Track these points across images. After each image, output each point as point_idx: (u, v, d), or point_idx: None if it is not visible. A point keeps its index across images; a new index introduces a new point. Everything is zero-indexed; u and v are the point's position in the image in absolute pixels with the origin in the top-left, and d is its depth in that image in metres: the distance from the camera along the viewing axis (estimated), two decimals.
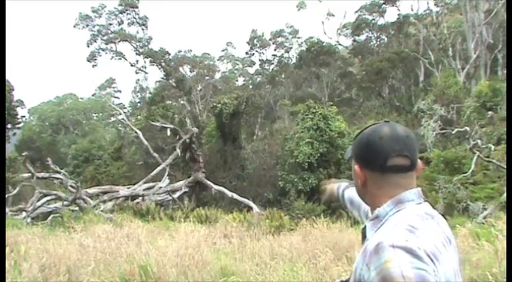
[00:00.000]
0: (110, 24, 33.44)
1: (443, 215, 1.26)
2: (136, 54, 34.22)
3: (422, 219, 1.14)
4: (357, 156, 1.25)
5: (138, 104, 44.74)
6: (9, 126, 20.96)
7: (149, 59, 33.79)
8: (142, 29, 33.81)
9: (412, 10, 32.31)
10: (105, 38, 33.32)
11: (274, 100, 35.28)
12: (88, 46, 33.28)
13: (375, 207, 1.20)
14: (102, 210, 14.71)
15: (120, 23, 33.48)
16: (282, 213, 13.03)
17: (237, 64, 44.62)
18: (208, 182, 20.10)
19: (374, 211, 1.20)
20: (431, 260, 1.04)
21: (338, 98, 33.58)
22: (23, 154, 16.97)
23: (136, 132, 24.68)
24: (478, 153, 14.81)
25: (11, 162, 17.18)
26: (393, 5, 32.70)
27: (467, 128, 15.84)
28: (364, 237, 1.21)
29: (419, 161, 1.24)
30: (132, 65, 35.04)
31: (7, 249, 6.31)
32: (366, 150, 1.21)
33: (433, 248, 1.07)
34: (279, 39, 37.89)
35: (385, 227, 1.14)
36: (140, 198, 17.93)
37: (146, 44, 34.02)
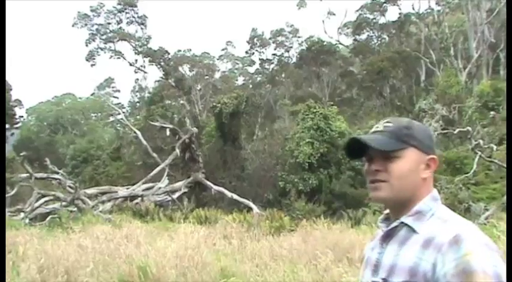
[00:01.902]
0: (109, 23, 33.47)
1: None
2: (135, 53, 34.26)
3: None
4: (430, 146, 1.23)
5: (137, 104, 44.74)
6: (7, 126, 20.96)
7: (148, 58, 33.79)
8: (141, 28, 33.85)
9: (413, 9, 32.37)
10: (103, 37, 33.34)
11: (274, 100, 35.27)
12: (86, 45, 33.33)
13: (412, 203, 1.19)
14: (100, 211, 14.69)
15: (119, 22, 33.52)
16: (282, 214, 13.00)
17: (237, 63, 44.60)
18: (208, 183, 20.07)
19: (412, 206, 1.19)
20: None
21: (339, 97, 33.58)
22: (21, 154, 16.96)
23: (135, 132, 24.65)
24: (480, 153, 14.82)
25: (9, 162, 17.20)
26: (394, 4, 32.69)
27: (469, 128, 15.85)
28: (387, 236, 1.20)
29: None
30: (131, 65, 35.06)
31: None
32: (433, 141, 1.23)
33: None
34: (279, 39, 37.89)
35: (441, 221, 1.14)
36: (139, 198, 17.89)
37: (145, 43, 34.04)
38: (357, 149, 1.25)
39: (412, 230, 1.16)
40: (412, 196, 1.19)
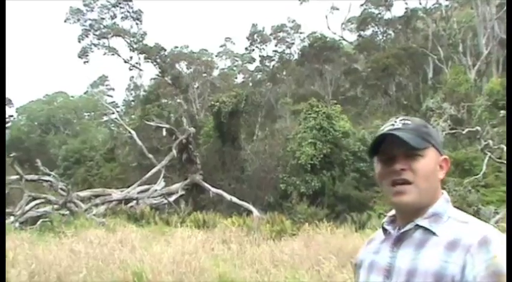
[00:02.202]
0: (103, 18, 33.50)
1: None
2: (130, 50, 34.29)
3: None
4: (441, 146, 1.24)
5: (132, 103, 44.73)
6: None
7: (144, 55, 33.82)
8: (137, 24, 33.87)
9: (420, 4, 32.36)
10: (97, 33, 33.36)
11: (275, 98, 35.28)
12: (79, 41, 33.35)
13: (427, 205, 1.19)
14: (94, 215, 14.69)
15: (113, 17, 33.54)
16: (283, 218, 13.02)
17: (236, 60, 44.62)
18: (206, 185, 20.08)
19: (426, 209, 1.19)
20: None
21: (342, 96, 33.58)
22: (11, 155, 16.94)
23: (130, 132, 24.66)
24: (489, 154, 14.82)
25: None
26: None
27: (479, 128, 15.86)
28: (398, 239, 1.20)
29: None
30: (125, 62, 35.10)
31: None
32: (441, 139, 1.27)
33: None
34: (281, 35, 37.91)
35: (461, 222, 1.15)
36: (134, 201, 17.91)
37: (140, 39, 34.06)
38: (371, 148, 1.24)
39: (430, 233, 1.16)
40: (430, 199, 1.20)
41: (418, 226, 1.18)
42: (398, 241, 1.20)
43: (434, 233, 1.15)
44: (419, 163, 1.18)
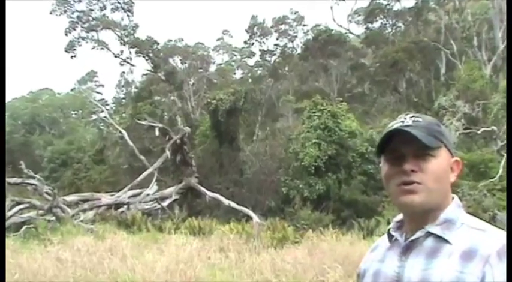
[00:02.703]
0: (91, 9, 33.48)
1: None
2: (121, 43, 34.26)
3: None
4: (453, 146, 1.25)
5: (123, 100, 44.71)
6: None
7: (135, 49, 33.80)
8: (128, 16, 33.86)
9: None
10: (85, 25, 33.35)
11: (276, 96, 35.30)
12: (66, 35, 33.32)
13: (439, 211, 1.19)
14: (81, 221, 14.70)
15: (103, 8, 33.52)
16: (285, 224, 13.02)
17: (235, 55, 44.61)
18: (202, 189, 20.09)
19: (438, 214, 1.19)
20: None
21: (349, 93, 33.60)
22: None
23: (120, 132, 24.67)
24: (506, 155, 14.81)
25: None
26: None
27: (495, 128, 15.88)
28: (407, 248, 1.19)
29: None
30: (115, 56, 35.06)
31: None
32: (453, 140, 1.27)
33: None
34: (282, 27, 37.92)
35: (476, 230, 1.15)
36: (125, 206, 17.93)
37: (132, 32, 34.05)
38: (379, 145, 1.23)
39: (443, 241, 1.15)
40: (441, 202, 1.19)
41: (429, 233, 1.17)
42: (408, 249, 1.19)
43: (447, 241, 1.14)
44: (431, 163, 1.17)
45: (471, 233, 1.14)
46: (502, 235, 1.13)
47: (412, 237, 1.19)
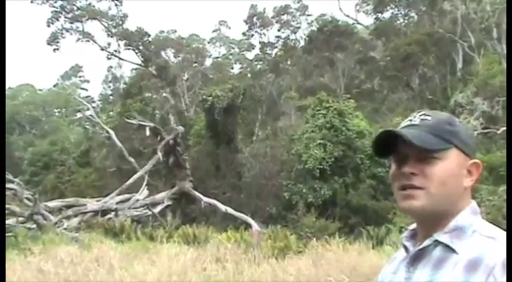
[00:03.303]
0: None
1: None
2: (108, 35, 34.29)
3: None
4: (472, 149, 1.23)
5: (110, 97, 44.76)
6: None
7: (124, 41, 33.82)
8: (116, 5, 33.87)
9: None
10: (69, 15, 33.36)
11: (278, 92, 35.31)
12: (49, 26, 33.34)
13: (450, 217, 1.19)
14: (65, 229, 14.71)
15: None
16: (287, 232, 13.06)
17: (233, 48, 44.64)
18: (197, 194, 20.10)
19: (448, 221, 1.19)
20: None
21: (357, 89, 33.61)
22: None
23: (107, 131, 24.68)
24: None
25: None
26: None
27: None
28: (415, 257, 1.20)
29: None
30: (102, 49, 35.09)
31: None
32: (474, 142, 1.23)
33: None
34: (284, 17, 37.97)
35: (487, 238, 1.15)
36: (113, 213, 17.95)
37: (120, 22, 34.07)
38: (385, 146, 1.24)
39: (451, 250, 1.15)
40: (450, 208, 1.19)
41: (437, 242, 1.17)
42: (416, 259, 1.20)
43: (454, 251, 1.15)
44: (436, 167, 1.17)
45: (481, 242, 1.14)
46: None
47: (420, 247, 1.20)
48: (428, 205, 1.17)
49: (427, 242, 1.19)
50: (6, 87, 50.43)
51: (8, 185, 16.77)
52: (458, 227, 1.17)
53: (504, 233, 1.15)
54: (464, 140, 1.21)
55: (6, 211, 15.73)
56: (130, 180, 19.88)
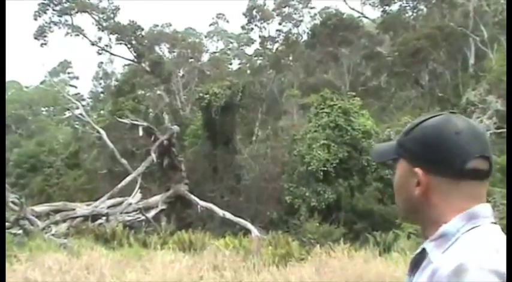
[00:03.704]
0: None
1: None
2: (99, 29, 34.31)
3: (502, 242, 1.18)
4: (420, 157, 1.25)
5: (101, 95, 44.78)
6: None
7: (115, 35, 33.85)
8: None
9: None
10: (57, 8, 33.39)
11: (279, 89, 35.36)
12: (35, 19, 33.36)
13: (435, 224, 1.22)
14: (53, 234, 14.70)
15: None
16: (289, 238, 13.06)
17: (231, 42, 44.69)
18: (193, 197, 20.11)
19: (436, 228, 1.22)
20: None
21: (363, 86, 33.65)
22: None
23: (98, 131, 24.69)
24: None
25: None
26: None
27: None
28: (414, 264, 1.25)
29: None
30: (93, 44, 35.12)
31: None
32: (438, 149, 1.22)
33: None
34: (286, 10, 38.00)
35: (460, 247, 1.16)
36: (103, 218, 17.96)
37: (112, 16, 34.11)
38: None
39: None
40: (436, 212, 1.23)
41: (424, 249, 1.23)
42: (415, 266, 1.25)
43: (416, 264, 1.22)
44: (395, 176, 1.31)
45: (456, 249, 1.16)
46: (481, 253, 1.12)
47: (414, 254, 1.27)
48: (401, 213, 1.32)
49: (418, 250, 1.25)
50: None
51: None
52: (443, 234, 1.20)
53: (491, 238, 1.17)
54: (410, 148, 1.26)
55: None
56: (123, 183, 19.89)
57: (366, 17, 36.46)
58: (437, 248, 1.19)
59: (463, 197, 1.22)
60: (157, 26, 38.58)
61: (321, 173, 20.19)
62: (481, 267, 1.07)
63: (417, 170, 1.23)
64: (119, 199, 19.39)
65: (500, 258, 1.11)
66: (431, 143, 1.23)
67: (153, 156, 20.08)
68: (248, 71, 38.40)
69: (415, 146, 1.25)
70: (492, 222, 1.22)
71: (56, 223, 16.70)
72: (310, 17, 38.39)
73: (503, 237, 1.19)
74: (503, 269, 1.08)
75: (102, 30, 34.33)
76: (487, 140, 1.25)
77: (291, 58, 37.01)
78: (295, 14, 38.26)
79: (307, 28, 37.19)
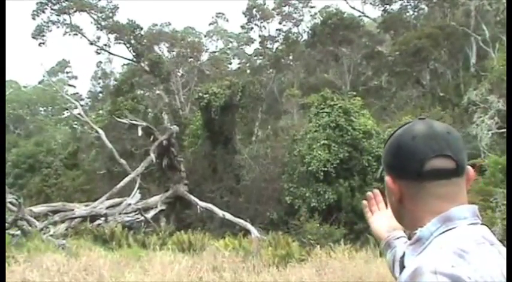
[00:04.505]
0: None
1: (500, 241, 1.27)
2: (98, 28, 34.31)
3: (477, 243, 1.17)
4: (388, 165, 1.30)
5: (100, 95, 44.78)
6: None
7: (114, 35, 33.85)
8: None
9: None
10: (56, 7, 33.37)
11: (279, 89, 35.36)
12: (34, 18, 33.34)
13: (415, 229, 1.24)
14: (51, 235, 14.69)
15: None
16: (289, 239, 13.05)
17: (231, 42, 44.68)
18: (192, 198, 20.11)
19: (415, 233, 1.25)
20: None
21: (363, 86, 33.67)
22: None
23: (97, 131, 24.68)
24: None
25: None
26: None
27: None
28: (401, 268, 1.28)
29: (469, 167, 1.26)
30: (91, 43, 35.10)
31: None
32: (397, 155, 1.27)
33: (488, 279, 1.09)
34: (286, 9, 38.01)
35: (427, 251, 1.18)
36: (102, 218, 17.95)
37: (110, 15, 34.10)
38: None
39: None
40: (412, 217, 1.27)
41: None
42: (402, 268, 1.26)
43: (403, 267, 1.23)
44: None
45: (425, 253, 1.18)
46: (438, 257, 1.12)
47: (399, 257, 1.33)
48: (400, 224, 1.39)
49: (401, 253, 1.32)
50: None
51: None
52: (419, 239, 1.22)
53: (455, 245, 1.15)
54: (385, 160, 1.32)
55: None
56: (121, 184, 19.88)
57: (367, 16, 36.46)
58: (412, 252, 1.22)
59: (433, 199, 1.23)
60: (157, 25, 38.61)
61: (322, 173, 20.17)
62: (435, 270, 1.07)
63: (387, 178, 1.29)
64: (117, 199, 19.40)
65: (461, 262, 1.10)
66: (392, 151, 1.29)
67: (152, 156, 20.09)
68: (248, 71, 38.41)
69: (384, 157, 1.33)
70: (471, 224, 1.21)
71: (54, 224, 16.70)
72: (311, 16, 38.44)
73: (478, 239, 1.18)
74: (460, 272, 1.07)
75: (101, 30, 34.34)
76: (450, 140, 1.24)
77: (291, 57, 37.04)
78: (295, 13, 38.27)
79: (308, 27, 37.18)
